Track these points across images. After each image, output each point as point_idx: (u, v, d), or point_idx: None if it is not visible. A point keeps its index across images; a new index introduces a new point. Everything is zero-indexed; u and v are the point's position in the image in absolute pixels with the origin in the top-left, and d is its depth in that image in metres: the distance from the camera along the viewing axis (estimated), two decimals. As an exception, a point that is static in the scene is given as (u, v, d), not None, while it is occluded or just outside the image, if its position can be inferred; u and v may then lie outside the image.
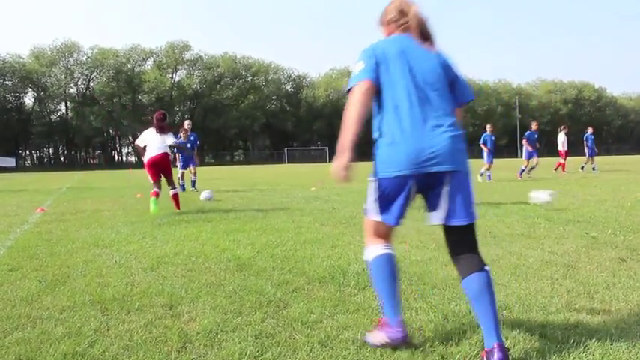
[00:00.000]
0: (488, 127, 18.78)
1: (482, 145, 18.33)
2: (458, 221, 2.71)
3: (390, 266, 2.83)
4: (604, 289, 3.78)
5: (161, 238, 6.53)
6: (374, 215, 2.85)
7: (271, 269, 4.65)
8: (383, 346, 2.74)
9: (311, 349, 2.78)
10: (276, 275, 4.40)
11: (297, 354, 2.74)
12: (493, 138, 18.46)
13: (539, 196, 9.20)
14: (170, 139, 9.70)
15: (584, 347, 2.72)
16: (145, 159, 9.52)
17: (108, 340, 2.96)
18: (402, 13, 2.95)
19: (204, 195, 12.24)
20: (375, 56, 2.82)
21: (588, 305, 3.41)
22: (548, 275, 4.24)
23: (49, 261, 5.22)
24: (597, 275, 4.20)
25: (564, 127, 23.10)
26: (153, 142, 9.47)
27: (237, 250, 5.61)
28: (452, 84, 2.87)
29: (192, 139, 16.08)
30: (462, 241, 2.76)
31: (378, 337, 2.76)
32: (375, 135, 2.83)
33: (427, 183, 2.72)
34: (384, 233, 2.89)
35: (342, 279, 4.23)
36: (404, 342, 2.72)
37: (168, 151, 9.73)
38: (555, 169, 22.39)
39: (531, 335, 2.89)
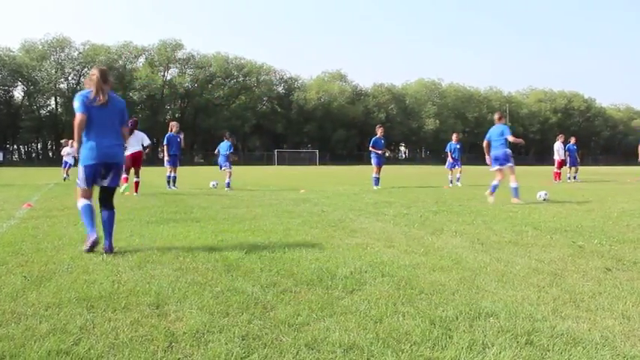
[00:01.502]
0: (454, 136, 20.13)
1: (448, 152, 19.68)
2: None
3: (90, 209, 5.65)
4: (590, 298, 3.80)
5: (149, 237, 6.50)
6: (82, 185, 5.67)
7: (259, 271, 4.63)
8: (90, 247, 5.43)
9: (297, 352, 2.78)
10: (264, 277, 4.39)
11: (284, 356, 2.73)
12: (458, 146, 19.63)
13: (539, 194, 12.23)
14: (147, 141, 13.94)
15: (570, 355, 2.74)
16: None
17: (93, 338, 2.94)
18: (90, 79, 5.63)
19: (211, 183, 17.50)
20: (84, 101, 5.50)
21: (574, 314, 3.43)
22: (535, 283, 4.26)
23: (35, 257, 5.17)
24: (583, 284, 4.23)
25: (561, 136, 23.36)
26: (129, 142, 12.62)
27: (225, 250, 5.59)
28: (122, 117, 5.85)
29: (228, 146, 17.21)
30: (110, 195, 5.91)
31: (86, 244, 5.49)
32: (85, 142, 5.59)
33: (106, 167, 5.67)
34: (88, 194, 5.69)
35: (329, 282, 4.23)
36: (95, 243, 5.47)
37: (141, 149, 13.66)
38: (555, 179, 22.45)
39: (517, 342, 2.91)
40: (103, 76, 5.63)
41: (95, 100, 5.51)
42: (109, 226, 5.69)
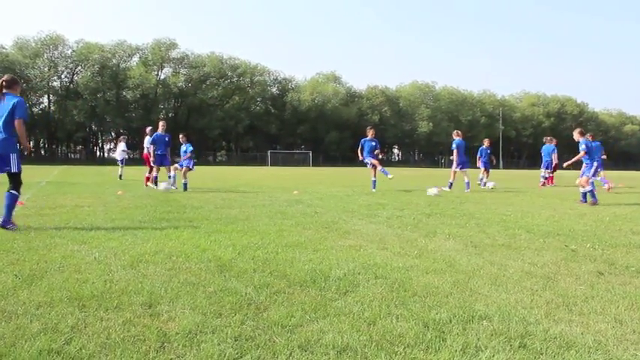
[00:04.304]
0: (486, 141, 20.84)
1: (478, 157, 20.58)
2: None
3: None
4: (582, 302, 3.81)
5: (141, 236, 6.47)
6: None
7: (252, 271, 4.62)
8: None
9: (291, 353, 2.77)
10: (257, 278, 4.38)
11: (277, 357, 2.72)
12: (489, 151, 20.62)
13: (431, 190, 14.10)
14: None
15: (563, 359, 2.75)
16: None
17: (85, 338, 2.92)
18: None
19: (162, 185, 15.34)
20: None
21: (567, 317, 3.44)
22: (528, 286, 4.27)
23: (27, 255, 5.14)
24: (576, 288, 4.24)
25: (552, 140, 23.36)
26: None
27: (218, 250, 5.57)
28: (9, 113, 6.94)
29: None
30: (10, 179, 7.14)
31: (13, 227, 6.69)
32: None
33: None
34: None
35: (323, 283, 4.22)
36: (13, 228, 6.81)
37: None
38: (548, 184, 22.51)
39: (510, 346, 2.91)
40: (7, 82, 7.11)
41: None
42: (4, 202, 7.02)
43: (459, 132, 17.93)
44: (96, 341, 2.87)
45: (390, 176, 16.79)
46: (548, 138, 23.41)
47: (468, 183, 16.90)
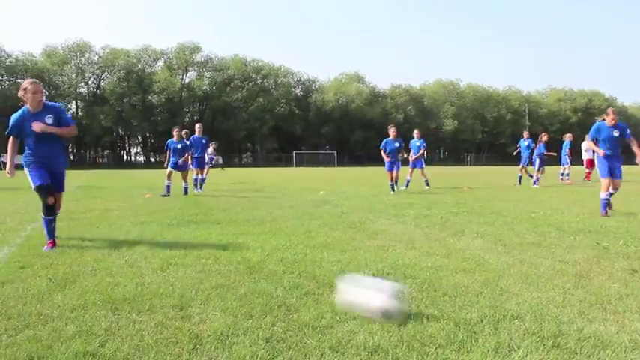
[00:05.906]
0: (544, 137, 20.34)
1: (540, 154, 19.71)
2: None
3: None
4: (617, 300, 3.75)
5: (170, 239, 6.54)
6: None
7: (281, 273, 4.64)
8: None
9: (322, 354, 2.77)
10: (287, 279, 4.40)
11: (309, 359, 2.73)
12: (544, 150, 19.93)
13: None
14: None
15: (598, 358, 2.71)
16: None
17: (119, 340, 2.96)
18: (25, 90, 6.13)
19: None
20: (16, 122, 6.15)
21: (601, 316, 3.39)
22: (559, 285, 4.21)
23: (59, 259, 5.24)
24: (610, 286, 4.17)
25: (570, 137, 23.13)
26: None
27: (246, 252, 5.61)
28: (59, 123, 6.26)
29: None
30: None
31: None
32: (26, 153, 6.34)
33: None
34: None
35: (352, 284, 4.21)
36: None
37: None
38: (585, 179, 22.36)
39: (544, 345, 2.87)
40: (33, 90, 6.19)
41: (31, 115, 6.22)
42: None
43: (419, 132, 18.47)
44: (129, 343, 2.92)
45: (392, 193, 15.46)
46: (568, 135, 23.26)
47: (426, 181, 17.23)
